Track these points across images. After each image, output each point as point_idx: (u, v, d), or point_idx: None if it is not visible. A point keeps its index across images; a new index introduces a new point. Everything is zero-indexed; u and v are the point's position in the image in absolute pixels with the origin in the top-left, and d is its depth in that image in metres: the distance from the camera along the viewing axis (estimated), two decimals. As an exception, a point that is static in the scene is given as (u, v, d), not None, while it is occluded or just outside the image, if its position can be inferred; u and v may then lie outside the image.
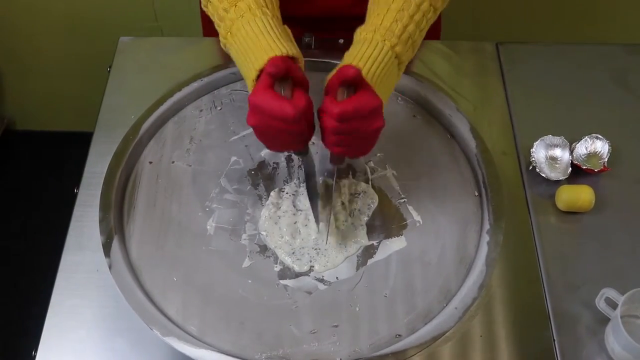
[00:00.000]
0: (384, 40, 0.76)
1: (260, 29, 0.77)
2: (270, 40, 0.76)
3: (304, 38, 1.02)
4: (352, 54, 0.77)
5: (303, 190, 0.89)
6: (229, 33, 0.79)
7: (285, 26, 0.81)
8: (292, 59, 0.76)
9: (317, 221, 0.85)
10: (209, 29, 1.01)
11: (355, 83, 0.72)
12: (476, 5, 1.62)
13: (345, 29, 1.05)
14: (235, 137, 0.96)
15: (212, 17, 0.83)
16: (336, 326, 0.79)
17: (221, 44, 0.82)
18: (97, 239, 0.84)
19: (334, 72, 0.75)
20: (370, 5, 0.83)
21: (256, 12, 0.78)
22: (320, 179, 0.88)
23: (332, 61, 1.01)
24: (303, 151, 0.83)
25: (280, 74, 0.71)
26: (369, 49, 0.76)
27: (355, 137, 0.74)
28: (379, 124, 0.73)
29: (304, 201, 0.88)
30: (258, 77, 0.74)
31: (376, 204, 0.89)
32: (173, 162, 0.94)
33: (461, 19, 1.49)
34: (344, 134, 0.72)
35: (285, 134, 0.74)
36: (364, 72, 0.74)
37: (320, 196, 0.86)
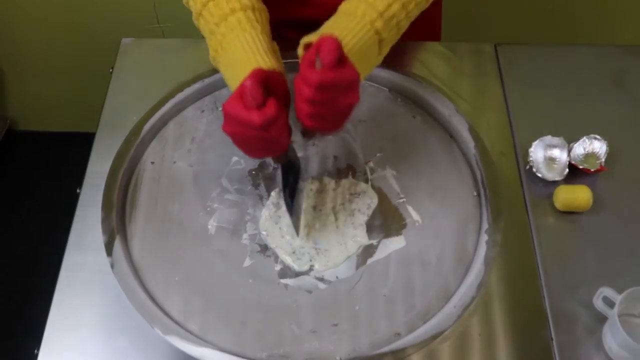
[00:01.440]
0: (364, 15, 0.76)
1: (249, 43, 0.77)
2: (257, 54, 0.76)
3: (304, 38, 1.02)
4: (331, 25, 0.76)
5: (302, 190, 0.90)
6: (219, 47, 0.79)
7: (274, 42, 0.81)
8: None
9: (295, 227, 0.85)
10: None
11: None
12: (475, 6, 1.62)
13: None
14: (236, 138, 0.97)
15: (203, 31, 0.83)
16: (336, 325, 0.79)
17: (210, 58, 0.82)
18: (99, 238, 0.84)
19: (309, 39, 0.74)
20: None
21: (246, 26, 0.78)
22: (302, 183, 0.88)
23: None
24: (281, 158, 0.83)
25: (256, 85, 0.69)
26: (347, 21, 0.75)
27: (329, 110, 0.72)
28: (354, 99, 0.72)
29: (303, 202, 0.88)
30: None
31: (376, 203, 0.90)
32: (174, 162, 0.94)
33: (460, 20, 1.50)
34: (319, 105, 0.71)
35: (257, 140, 0.74)
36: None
37: (298, 204, 0.86)
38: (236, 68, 0.76)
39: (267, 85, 0.71)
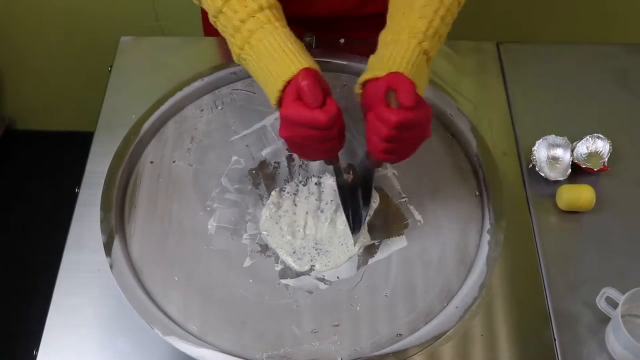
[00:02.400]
0: (411, 39, 0.76)
1: (285, 40, 0.77)
2: (296, 52, 0.76)
3: (304, 37, 1.02)
4: (381, 56, 0.77)
5: (303, 188, 0.89)
6: (246, 44, 0.78)
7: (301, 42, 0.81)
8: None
9: (351, 228, 0.84)
10: (209, 28, 1.01)
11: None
12: (477, 5, 1.61)
13: (348, 29, 1.05)
14: (236, 137, 0.96)
15: (223, 30, 0.81)
16: (337, 325, 0.79)
17: (234, 56, 0.81)
18: (98, 238, 0.84)
19: (369, 75, 0.75)
20: (390, 8, 0.82)
21: (276, 24, 0.78)
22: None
23: (333, 61, 1.02)
24: (334, 159, 0.83)
25: (315, 84, 0.71)
26: (397, 49, 0.76)
27: (404, 145, 0.74)
28: (428, 133, 0.75)
29: (304, 202, 0.88)
30: (284, 88, 0.74)
31: (377, 203, 0.89)
32: (174, 161, 0.94)
33: (462, 19, 1.49)
34: (394, 142, 0.72)
35: (318, 142, 0.74)
36: None
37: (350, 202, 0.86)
38: (275, 67, 0.75)
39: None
